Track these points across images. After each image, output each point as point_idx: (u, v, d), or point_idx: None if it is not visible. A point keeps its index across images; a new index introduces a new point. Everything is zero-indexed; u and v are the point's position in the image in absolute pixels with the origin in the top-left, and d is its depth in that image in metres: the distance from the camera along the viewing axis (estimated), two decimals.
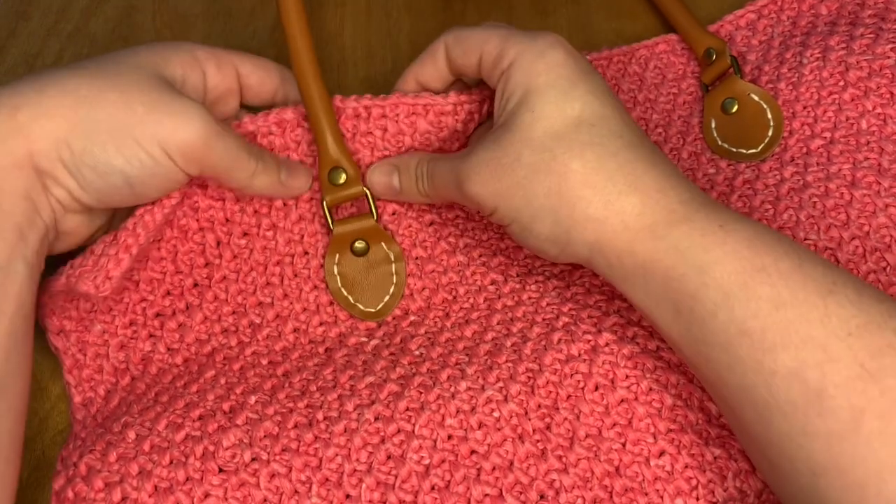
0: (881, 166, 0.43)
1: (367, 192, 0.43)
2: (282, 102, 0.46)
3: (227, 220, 0.43)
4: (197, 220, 0.42)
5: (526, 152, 0.36)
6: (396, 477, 0.35)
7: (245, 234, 0.43)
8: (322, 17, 0.57)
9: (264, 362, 0.40)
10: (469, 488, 0.35)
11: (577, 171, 0.35)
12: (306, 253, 0.43)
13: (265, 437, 0.35)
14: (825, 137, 0.45)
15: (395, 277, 0.43)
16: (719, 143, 0.47)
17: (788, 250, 0.33)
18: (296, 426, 0.36)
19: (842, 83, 0.46)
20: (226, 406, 0.37)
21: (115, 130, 0.36)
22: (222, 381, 0.38)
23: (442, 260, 0.44)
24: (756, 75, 0.49)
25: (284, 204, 0.44)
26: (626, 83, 0.50)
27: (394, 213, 0.45)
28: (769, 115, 0.47)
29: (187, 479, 0.34)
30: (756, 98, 0.47)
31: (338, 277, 0.43)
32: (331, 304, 0.43)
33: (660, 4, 0.53)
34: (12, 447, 0.35)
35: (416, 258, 0.44)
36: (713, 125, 0.48)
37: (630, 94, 0.50)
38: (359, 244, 0.43)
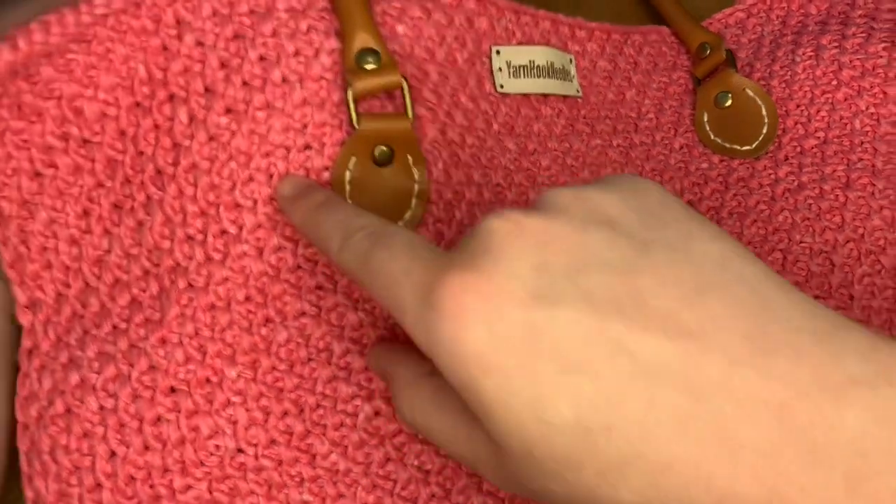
0: (875, 167, 0.43)
1: (405, 83, 0.33)
2: None
3: (207, 89, 0.32)
4: (166, 85, 0.32)
5: None
6: (395, 482, 0.32)
7: (228, 111, 0.32)
8: None
9: (240, 297, 0.32)
10: (470, 498, 0.32)
11: None
12: (308, 147, 0.33)
13: (250, 426, 0.31)
14: (819, 137, 0.44)
15: (411, 209, 0.34)
16: (712, 137, 0.46)
17: None
18: (285, 415, 0.31)
19: (835, 82, 0.45)
20: (201, 375, 0.30)
21: None
22: (189, 328, 0.31)
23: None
24: (747, 72, 0.47)
25: (285, 80, 0.32)
26: (622, 61, 0.48)
27: (434, 142, 0.36)
28: (764, 112, 0.45)
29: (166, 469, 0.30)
30: (751, 93, 0.45)
31: (347, 186, 0.33)
32: None
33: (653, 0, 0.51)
34: None
35: (445, 200, 0.36)
36: (705, 118, 0.46)
37: (625, 73, 0.47)
38: (382, 150, 0.33)
